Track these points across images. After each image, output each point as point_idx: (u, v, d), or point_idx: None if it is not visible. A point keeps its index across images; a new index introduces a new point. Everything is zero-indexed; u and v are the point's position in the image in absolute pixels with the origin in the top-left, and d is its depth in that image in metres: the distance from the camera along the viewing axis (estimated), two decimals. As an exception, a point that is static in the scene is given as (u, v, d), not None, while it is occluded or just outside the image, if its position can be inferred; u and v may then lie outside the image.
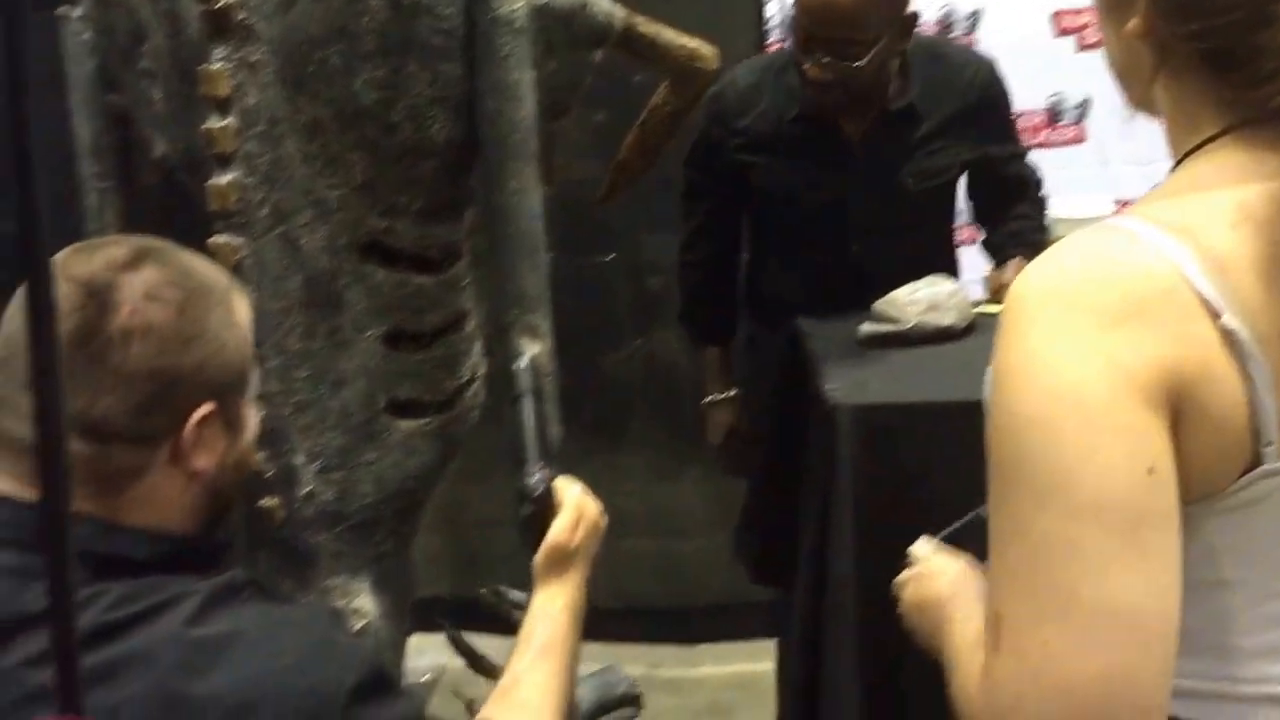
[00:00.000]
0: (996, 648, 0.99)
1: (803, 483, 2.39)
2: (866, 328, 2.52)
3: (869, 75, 2.64)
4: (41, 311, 0.78)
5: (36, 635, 1.11)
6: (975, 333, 2.48)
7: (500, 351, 2.15)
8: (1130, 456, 0.95)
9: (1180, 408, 0.98)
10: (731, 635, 3.82)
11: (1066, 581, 0.95)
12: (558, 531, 1.59)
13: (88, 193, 2.27)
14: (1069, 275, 1.02)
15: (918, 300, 2.50)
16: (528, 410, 1.78)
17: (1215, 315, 0.98)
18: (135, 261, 1.25)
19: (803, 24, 2.63)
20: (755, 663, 3.56)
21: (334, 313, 2.09)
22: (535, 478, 1.66)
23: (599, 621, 3.85)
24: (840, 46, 2.58)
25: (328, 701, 1.16)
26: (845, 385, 2.23)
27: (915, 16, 2.71)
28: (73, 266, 1.24)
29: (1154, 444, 0.96)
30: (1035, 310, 1.01)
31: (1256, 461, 1.00)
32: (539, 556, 1.58)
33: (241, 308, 1.34)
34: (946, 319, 2.49)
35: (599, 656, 3.74)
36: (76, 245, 1.28)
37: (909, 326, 2.48)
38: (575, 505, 1.63)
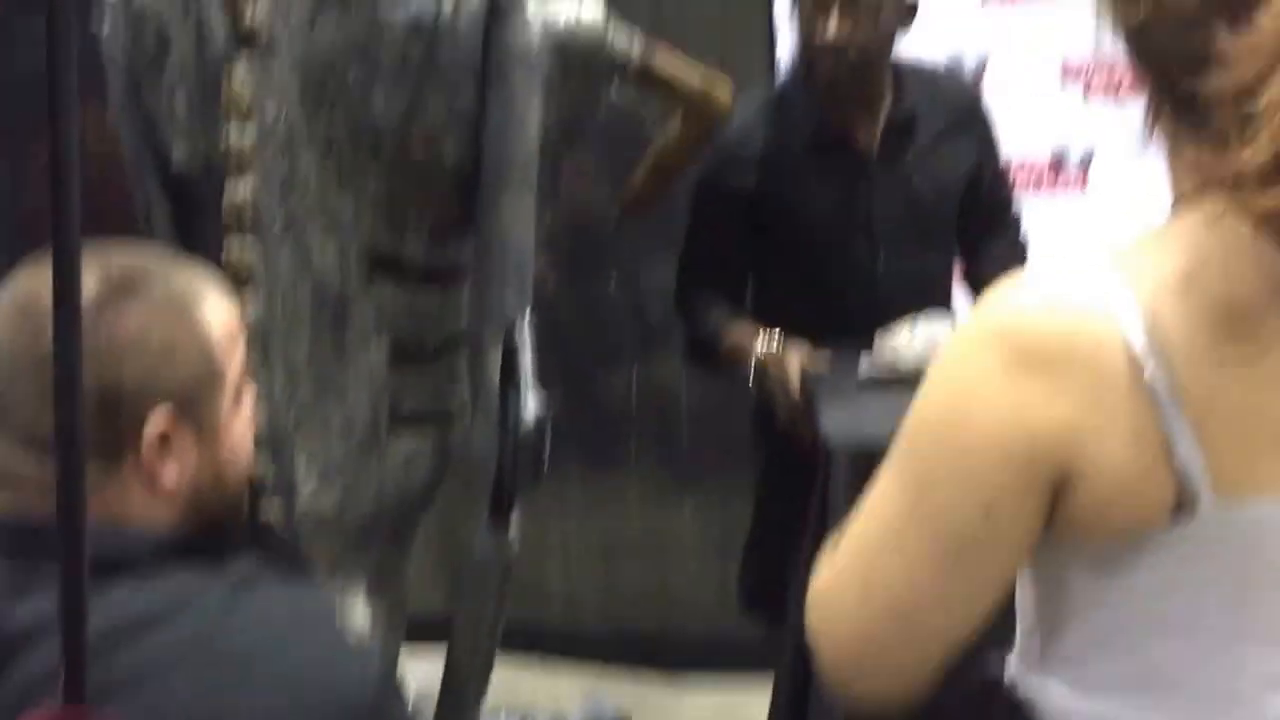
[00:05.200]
0: (818, 570, 1.18)
1: (799, 517, 2.41)
2: (865, 368, 2.55)
3: (876, 45, 2.71)
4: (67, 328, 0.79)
5: (39, 651, 1.11)
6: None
7: (476, 368, 2.19)
8: (976, 491, 1.06)
9: (1079, 459, 1.04)
10: (718, 666, 3.84)
11: (876, 557, 1.12)
12: None
13: (135, 197, 2.32)
14: (1011, 312, 1.08)
15: (915, 342, 2.54)
16: (525, 353, 1.80)
17: (1139, 367, 1.03)
18: None
19: None
20: (739, 694, 3.57)
21: (341, 324, 2.13)
22: (536, 403, 1.67)
23: (588, 644, 3.89)
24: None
25: (348, 714, 1.17)
26: (841, 424, 2.26)
27: (916, 4, 2.79)
28: (17, 287, 1.23)
29: (1004, 493, 1.06)
30: (973, 334, 1.11)
31: (1189, 506, 1.04)
32: None
33: (214, 313, 1.30)
34: (944, 361, 2.52)
35: (586, 676, 3.77)
36: (30, 264, 1.23)
37: (907, 369, 2.51)
38: None
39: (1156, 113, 1.12)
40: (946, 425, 1.08)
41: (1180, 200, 1.12)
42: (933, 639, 1.12)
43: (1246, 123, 0.98)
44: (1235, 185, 0.99)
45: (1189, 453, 1.03)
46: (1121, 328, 1.03)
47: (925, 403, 1.11)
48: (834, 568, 1.17)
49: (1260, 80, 0.98)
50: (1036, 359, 1.04)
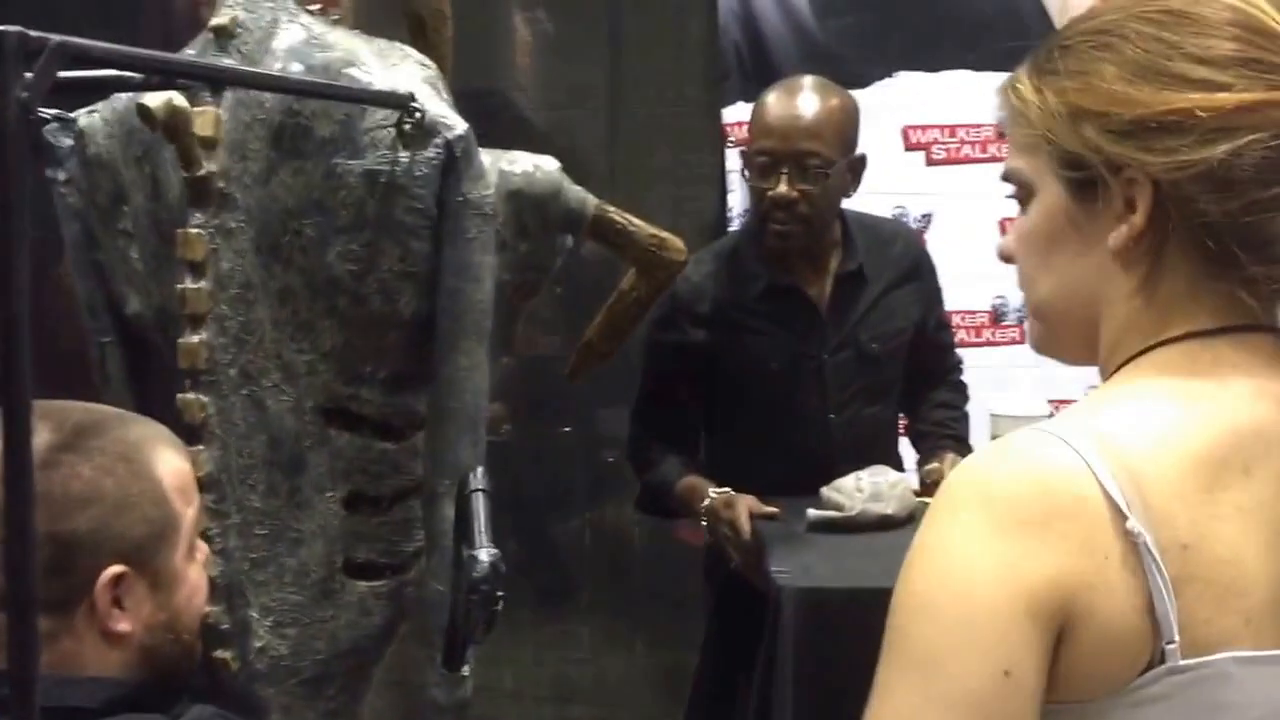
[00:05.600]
0: None
1: (747, 659, 2.42)
2: (813, 513, 2.58)
3: (826, 202, 2.77)
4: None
5: None
6: (915, 522, 2.53)
7: (431, 517, 2.18)
8: (991, 657, 1.01)
9: (1072, 612, 1.02)
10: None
11: None
12: None
13: (91, 346, 2.32)
14: (989, 477, 1.07)
15: (862, 489, 2.57)
16: (480, 502, 1.82)
17: (1122, 519, 1.02)
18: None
19: (764, 146, 2.76)
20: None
21: (295, 473, 2.13)
22: (489, 553, 1.70)
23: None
24: (802, 159, 2.72)
25: None
26: (791, 567, 2.28)
27: (864, 159, 2.86)
28: None
29: (1019, 650, 1.01)
30: (953, 503, 1.07)
31: (1161, 659, 1.03)
32: None
33: (167, 465, 1.32)
34: (889, 508, 2.56)
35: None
36: None
37: (854, 514, 2.54)
38: None
39: (1158, 254, 1.11)
40: (945, 600, 1.03)
41: (1135, 355, 1.13)
42: None
43: None
44: None
45: (1167, 604, 1.03)
46: (1099, 481, 1.03)
47: (914, 585, 1.06)
48: None
49: None
50: (1022, 518, 1.03)
